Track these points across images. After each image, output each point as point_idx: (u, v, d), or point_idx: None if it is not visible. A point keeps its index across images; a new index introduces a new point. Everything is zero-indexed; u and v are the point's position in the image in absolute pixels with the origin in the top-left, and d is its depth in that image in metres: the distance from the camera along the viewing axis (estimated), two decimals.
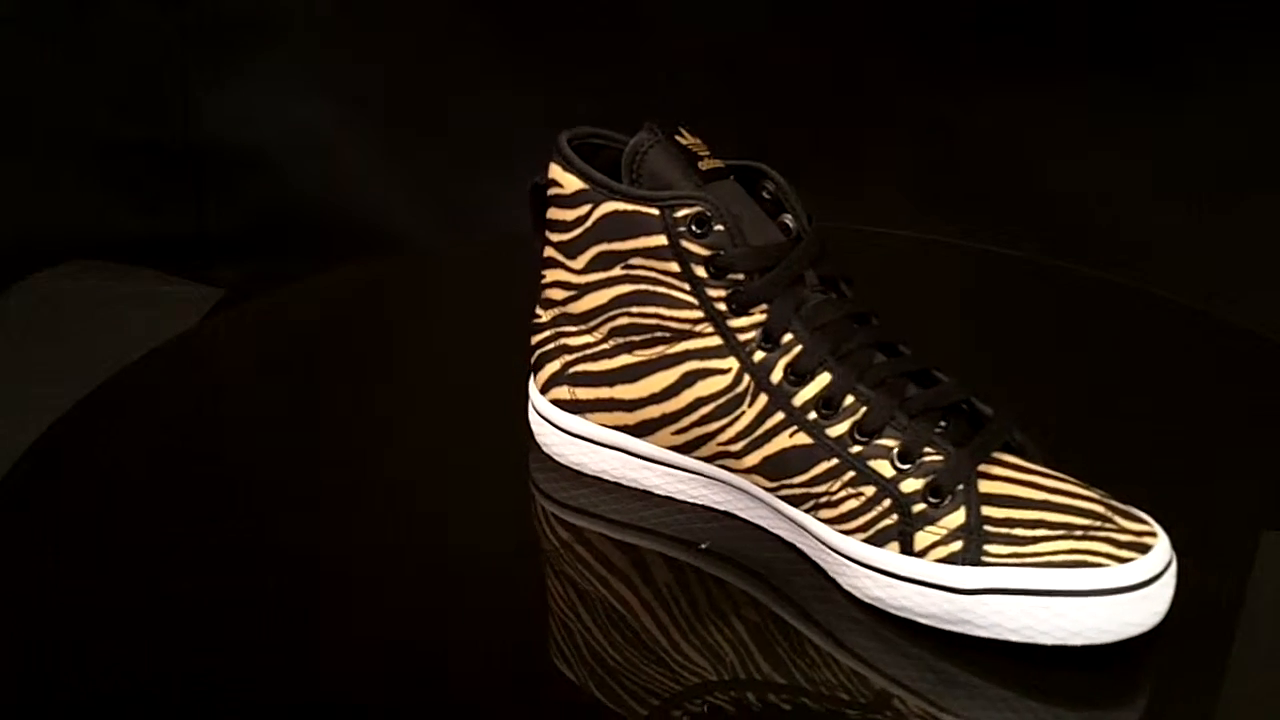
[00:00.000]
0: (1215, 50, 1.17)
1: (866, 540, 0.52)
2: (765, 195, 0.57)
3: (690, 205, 0.55)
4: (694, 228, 0.55)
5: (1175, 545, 0.51)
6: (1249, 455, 0.65)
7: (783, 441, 0.54)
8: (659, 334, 0.56)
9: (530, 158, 1.35)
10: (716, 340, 0.55)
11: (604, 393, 0.58)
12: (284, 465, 0.65)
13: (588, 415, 0.59)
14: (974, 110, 1.21)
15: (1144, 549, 0.50)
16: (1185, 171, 1.19)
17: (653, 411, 0.57)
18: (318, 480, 0.64)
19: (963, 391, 0.54)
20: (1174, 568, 0.51)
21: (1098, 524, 0.51)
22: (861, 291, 0.57)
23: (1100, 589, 0.50)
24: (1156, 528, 0.51)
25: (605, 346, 0.58)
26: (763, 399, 0.54)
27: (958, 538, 0.51)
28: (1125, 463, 0.64)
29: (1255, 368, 0.72)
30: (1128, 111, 1.20)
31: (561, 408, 0.59)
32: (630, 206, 0.56)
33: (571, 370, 0.59)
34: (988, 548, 0.51)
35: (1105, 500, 0.52)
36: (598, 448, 0.59)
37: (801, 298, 0.54)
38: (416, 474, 0.64)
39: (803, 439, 0.54)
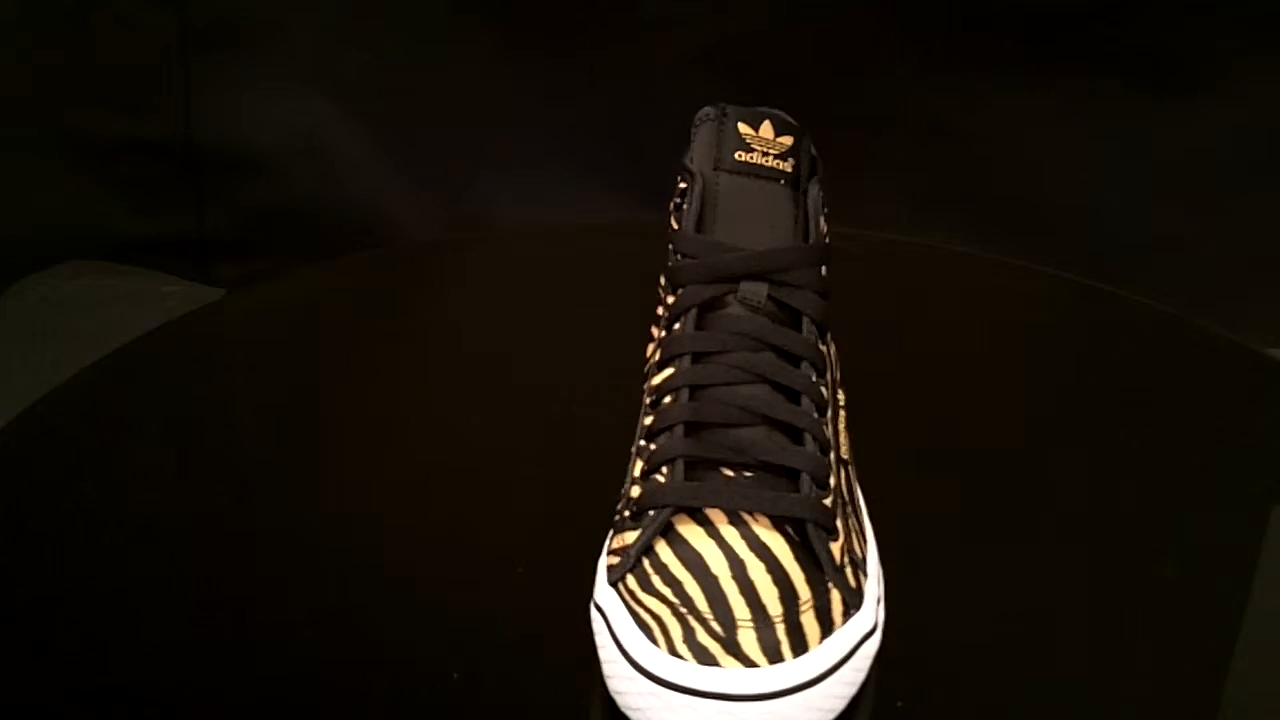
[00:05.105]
0: (1216, 51, 1.17)
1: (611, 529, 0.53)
2: None
3: (683, 180, 0.56)
4: (679, 201, 0.56)
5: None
6: (1232, 468, 0.66)
7: (638, 420, 0.55)
8: (658, 293, 0.58)
9: (530, 157, 1.36)
10: (661, 310, 0.56)
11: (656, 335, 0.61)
12: (274, 451, 0.65)
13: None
14: (974, 112, 1.21)
15: (709, 660, 0.46)
16: (1186, 173, 1.19)
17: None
18: (316, 467, 0.64)
19: (755, 452, 0.51)
20: (733, 711, 0.45)
21: (715, 616, 0.47)
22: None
23: (627, 656, 0.47)
24: (776, 667, 0.46)
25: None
26: (649, 376, 0.55)
27: (618, 555, 0.50)
28: (1111, 473, 0.64)
29: (1243, 380, 0.73)
30: (1127, 109, 1.20)
31: None
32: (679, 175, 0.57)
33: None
34: (628, 576, 0.49)
35: (795, 612, 0.48)
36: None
37: (719, 301, 0.53)
38: (432, 464, 0.64)
39: (638, 421, 0.54)
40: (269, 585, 0.57)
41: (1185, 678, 0.53)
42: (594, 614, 0.51)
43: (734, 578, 0.48)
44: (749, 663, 0.46)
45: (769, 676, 0.46)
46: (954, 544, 0.60)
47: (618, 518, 0.52)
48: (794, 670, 0.46)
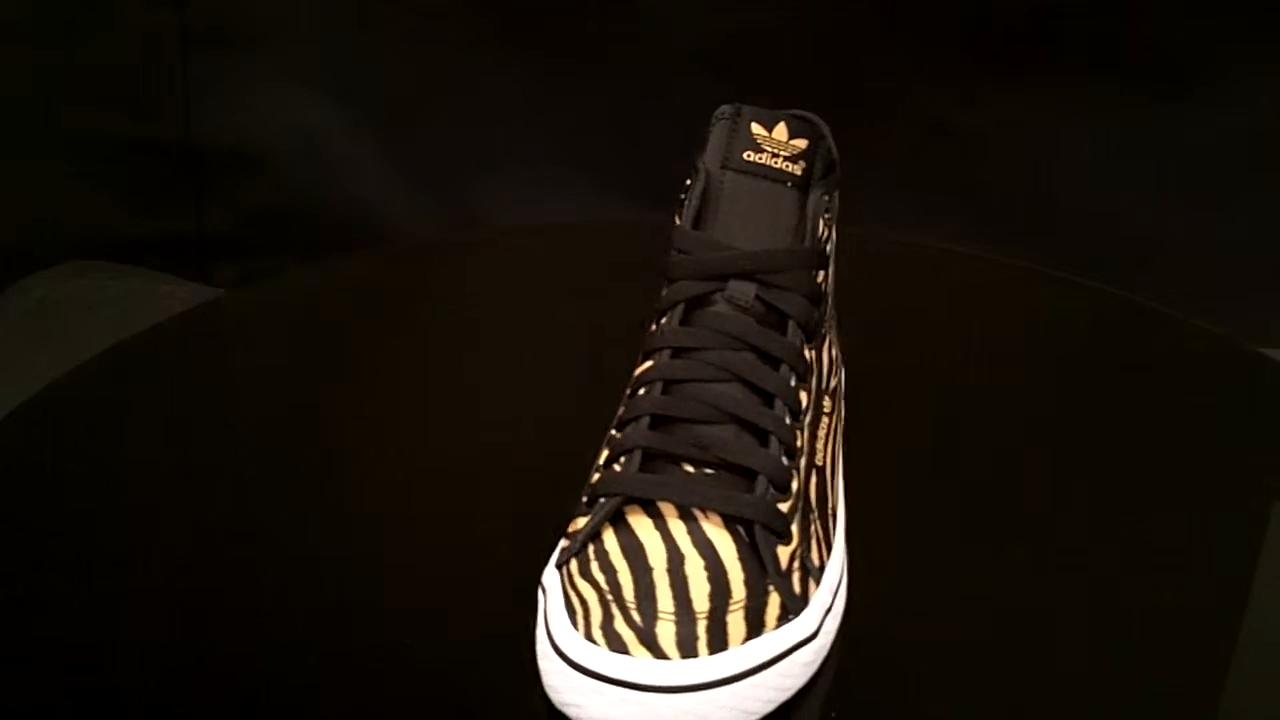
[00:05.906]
0: (1216, 51, 1.17)
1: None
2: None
3: (689, 177, 0.56)
4: (683, 198, 0.56)
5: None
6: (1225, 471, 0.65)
7: None
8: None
9: (530, 157, 1.36)
10: (657, 305, 0.56)
11: None
12: (273, 450, 0.65)
13: None
14: (974, 112, 1.21)
15: (620, 648, 0.46)
16: (1186, 173, 1.19)
17: None
18: (316, 466, 0.64)
19: (703, 450, 0.50)
20: (640, 700, 0.45)
21: (639, 606, 0.47)
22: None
23: (550, 636, 0.48)
24: (687, 662, 0.46)
25: None
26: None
27: (568, 539, 0.51)
28: (1111, 473, 0.64)
29: (1243, 380, 0.73)
30: (1127, 109, 1.20)
31: None
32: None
33: None
34: (571, 561, 0.50)
35: (723, 610, 0.47)
36: None
37: (708, 298, 0.53)
38: (432, 464, 0.64)
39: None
40: (267, 584, 0.57)
41: (1185, 678, 0.53)
42: (539, 593, 0.51)
43: (668, 570, 0.48)
44: (660, 654, 0.46)
45: (677, 670, 0.46)
46: (952, 544, 0.60)
47: (579, 504, 0.52)
48: (706, 667, 0.46)
